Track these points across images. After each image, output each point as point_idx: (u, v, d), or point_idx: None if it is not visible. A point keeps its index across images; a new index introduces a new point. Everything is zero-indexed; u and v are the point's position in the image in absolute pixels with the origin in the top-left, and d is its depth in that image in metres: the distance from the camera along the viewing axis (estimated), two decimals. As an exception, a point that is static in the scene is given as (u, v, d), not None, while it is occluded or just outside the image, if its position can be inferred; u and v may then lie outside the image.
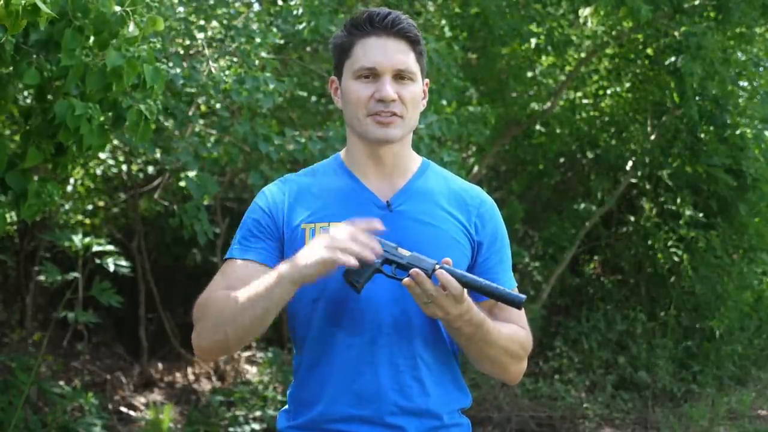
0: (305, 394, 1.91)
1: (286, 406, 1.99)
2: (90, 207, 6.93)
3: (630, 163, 7.49)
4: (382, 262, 1.76)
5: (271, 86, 4.18)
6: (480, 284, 1.75)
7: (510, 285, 1.97)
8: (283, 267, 1.77)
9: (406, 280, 1.73)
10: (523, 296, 1.75)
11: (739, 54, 6.49)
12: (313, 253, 1.73)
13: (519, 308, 1.74)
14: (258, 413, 5.62)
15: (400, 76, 1.87)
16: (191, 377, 6.62)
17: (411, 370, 1.87)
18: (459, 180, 2.05)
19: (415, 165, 2.00)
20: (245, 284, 1.83)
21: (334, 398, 1.86)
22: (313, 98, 6.22)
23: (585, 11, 6.03)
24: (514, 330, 1.92)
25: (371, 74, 1.86)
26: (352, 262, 1.70)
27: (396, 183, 1.95)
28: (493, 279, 1.89)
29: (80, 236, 5.00)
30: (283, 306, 1.81)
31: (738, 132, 6.83)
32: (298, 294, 1.83)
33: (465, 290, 1.74)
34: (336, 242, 1.71)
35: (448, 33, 6.37)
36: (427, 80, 1.98)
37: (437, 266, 1.73)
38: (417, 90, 1.90)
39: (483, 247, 1.96)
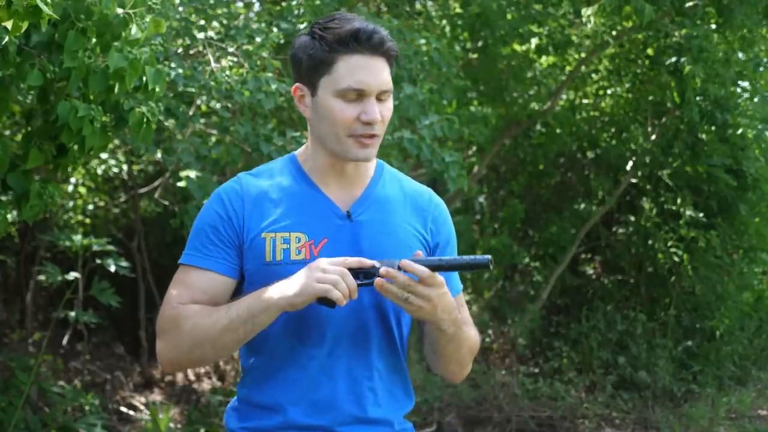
0: (261, 399, 1.91)
1: (235, 403, 1.98)
2: (90, 207, 6.93)
3: (630, 163, 7.48)
4: (354, 277, 1.78)
5: (273, 87, 4.18)
6: (444, 262, 1.79)
7: (458, 287, 2.03)
8: (271, 294, 1.77)
9: (377, 280, 1.75)
10: (489, 257, 1.76)
11: (740, 54, 6.49)
12: (303, 284, 1.74)
13: (489, 269, 1.75)
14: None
15: (380, 95, 1.86)
16: (191, 377, 6.62)
17: (367, 381, 1.90)
18: (410, 181, 2.06)
19: (371, 169, 2.00)
20: (209, 297, 1.87)
21: (292, 407, 1.88)
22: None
23: (588, 11, 6.02)
24: (471, 329, 1.98)
25: (358, 95, 1.83)
26: (343, 301, 1.73)
27: (354, 191, 1.95)
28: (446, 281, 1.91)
29: (80, 236, 5.01)
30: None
31: (738, 132, 6.83)
32: None
33: (435, 273, 1.77)
34: (327, 278, 1.73)
35: (448, 33, 6.37)
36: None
37: (401, 261, 1.77)
38: (392, 106, 1.90)
39: (437, 250, 2.00)
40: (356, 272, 1.77)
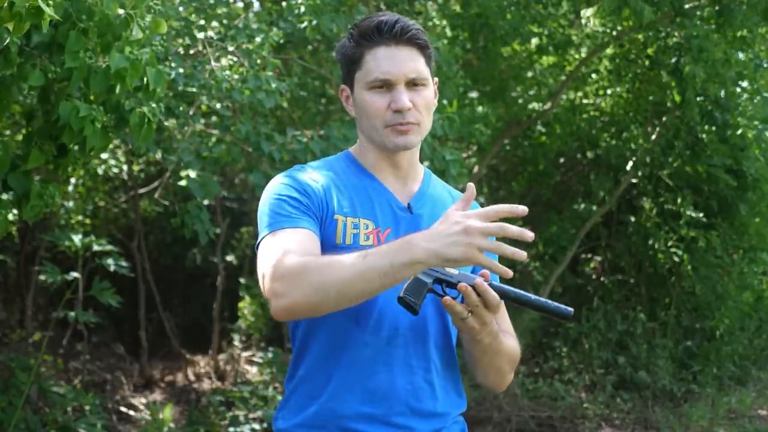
0: (308, 388, 1.88)
1: (281, 404, 1.95)
2: (90, 207, 6.93)
3: (630, 163, 7.48)
4: (433, 282, 1.78)
5: (273, 86, 4.18)
6: (527, 299, 1.77)
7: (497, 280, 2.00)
8: (418, 249, 1.62)
9: (446, 298, 1.74)
10: (572, 309, 1.75)
11: (740, 54, 6.48)
12: (452, 241, 1.60)
13: (569, 320, 1.76)
14: (258, 413, 5.62)
15: (413, 83, 1.87)
16: (191, 377, 6.62)
17: (424, 372, 1.89)
18: (451, 188, 2.11)
19: (421, 171, 2.04)
20: (313, 255, 1.75)
21: (342, 394, 1.85)
22: (312, 98, 6.21)
23: (587, 11, 6.02)
24: (510, 340, 1.97)
25: (385, 85, 1.86)
26: (500, 268, 1.63)
27: (410, 187, 1.98)
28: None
29: (80, 236, 5.00)
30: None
31: (738, 132, 6.82)
32: None
33: (502, 301, 1.76)
34: (479, 241, 1.59)
35: (449, 33, 6.37)
36: (436, 79, 1.98)
37: (482, 280, 1.77)
38: (430, 94, 1.91)
39: None
40: (440, 280, 1.78)
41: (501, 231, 1.58)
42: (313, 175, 1.92)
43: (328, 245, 1.85)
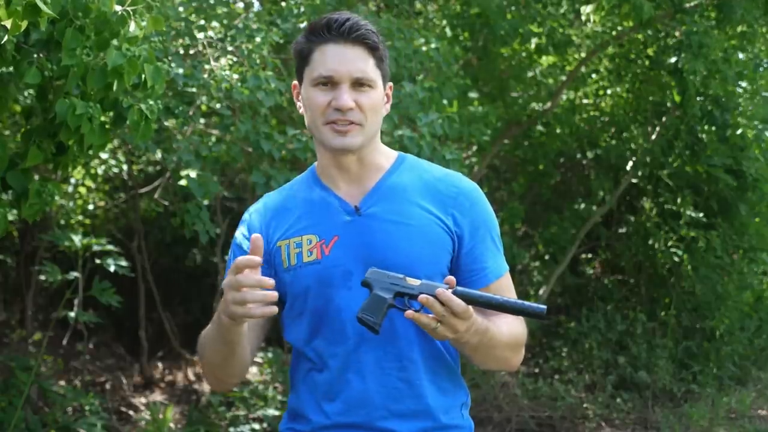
0: (297, 405, 1.95)
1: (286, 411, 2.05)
2: (90, 207, 6.93)
3: (630, 163, 7.48)
4: (394, 296, 1.74)
5: (273, 85, 4.18)
6: (496, 301, 1.72)
7: (499, 270, 1.94)
8: (220, 314, 1.77)
9: (408, 312, 1.71)
10: (545, 307, 1.70)
11: (740, 54, 6.48)
12: (223, 302, 1.74)
13: (543, 319, 1.72)
14: (258, 413, 5.62)
15: (358, 83, 1.85)
16: (191, 377, 6.62)
17: (398, 372, 1.86)
18: (437, 170, 1.99)
19: (388, 163, 1.97)
20: None
21: (324, 408, 1.88)
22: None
23: (587, 9, 6.02)
24: (509, 323, 1.90)
25: (329, 82, 1.84)
26: (255, 312, 1.69)
27: (366, 185, 1.93)
28: (482, 267, 1.90)
29: (80, 236, 5.00)
30: (239, 341, 1.84)
31: (738, 132, 6.82)
32: (287, 308, 1.91)
33: (470, 307, 1.72)
34: (229, 302, 1.70)
35: (449, 33, 6.37)
36: (390, 84, 1.95)
37: (445, 288, 1.71)
38: (376, 96, 1.88)
39: (464, 237, 1.91)
40: (400, 294, 1.74)
41: (239, 281, 1.68)
42: (267, 207, 1.99)
43: (279, 270, 1.91)
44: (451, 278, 1.73)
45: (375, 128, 1.90)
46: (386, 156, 1.97)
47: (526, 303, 1.70)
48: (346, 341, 1.86)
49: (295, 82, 1.95)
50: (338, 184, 1.93)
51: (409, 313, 1.71)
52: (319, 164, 1.97)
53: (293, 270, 1.88)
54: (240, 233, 1.98)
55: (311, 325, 1.87)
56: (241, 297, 1.67)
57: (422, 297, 1.69)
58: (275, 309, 1.69)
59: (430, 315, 1.71)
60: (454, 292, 1.70)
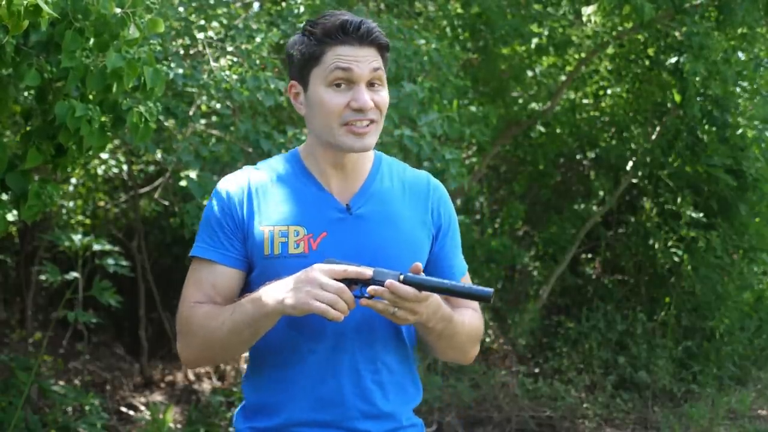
0: (265, 398, 1.93)
1: (243, 403, 2.00)
2: (90, 207, 6.93)
3: (630, 163, 7.48)
4: (349, 285, 1.76)
5: (272, 85, 4.18)
6: (445, 286, 1.76)
7: (462, 269, 2.04)
8: (268, 300, 1.78)
9: (362, 300, 1.75)
10: (491, 290, 1.75)
11: (740, 54, 6.48)
12: (300, 299, 1.73)
13: (489, 302, 1.75)
14: (258, 413, 5.61)
15: (372, 83, 1.88)
16: (191, 377, 6.62)
17: (372, 375, 1.90)
18: (407, 169, 2.07)
19: (369, 162, 2.00)
20: (219, 291, 1.89)
21: (296, 404, 1.88)
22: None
23: (588, 9, 6.01)
24: (470, 315, 1.99)
25: (346, 82, 1.85)
26: (332, 314, 1.71)
27: (354, 185, 1.96)
28: (450, 265, 1.99)
29: (80, 236, 5.00)
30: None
31: (738, 132, 6.82)
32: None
33: (422, 293, 1.75)
34: (324, 297, 1.72)
35: (449, 33, 6.37)
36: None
37: (401, 276, 1.74)
38: (386, 95, 1.92)
39: (440, 234, 2.00)
40: (353, 282, 1.77)
41: (343, 273, 1.74)
42: (249, 183, 1.94)
43: (258, 256, 1.89)
44: (418, 264, 1.77)
45: (382, 126, 1.95)
46: (368, 156, 2.01)
47: (474, 287, 1.76)
48: (324, 339, 1.87)
49: (293, 82, 1.95)
50: (330, 181, 1.94)
51: (363, 300, 1.75)
52: (311, 157, 1.96)
53: (276, 259, 1.87)
54: (219, 206, 1.93)
55: (290, 319, 1.86)
56: (332, 299, 1.71)
57: (371, 288, 1.73)
58: (342, 317, 1.73)
59: (384, 302, 1.76)
60: (405, 279, 1.74)
